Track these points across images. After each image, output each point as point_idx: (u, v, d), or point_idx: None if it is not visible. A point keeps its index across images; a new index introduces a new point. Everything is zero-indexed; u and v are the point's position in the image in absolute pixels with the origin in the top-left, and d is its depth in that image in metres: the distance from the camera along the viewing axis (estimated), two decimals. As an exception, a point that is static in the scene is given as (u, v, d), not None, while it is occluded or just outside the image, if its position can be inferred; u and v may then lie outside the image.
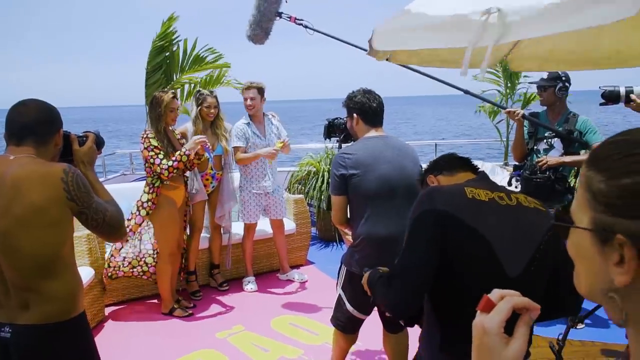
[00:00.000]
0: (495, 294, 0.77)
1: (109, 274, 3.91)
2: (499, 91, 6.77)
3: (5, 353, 1.75)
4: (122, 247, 3.92)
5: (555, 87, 3.52)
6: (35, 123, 1.81)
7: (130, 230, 3.82)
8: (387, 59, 2.39)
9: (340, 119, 3.11)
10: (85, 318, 1.92)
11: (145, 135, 3.80)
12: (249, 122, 4.43)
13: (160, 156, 3.74)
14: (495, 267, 1.47)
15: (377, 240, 2.52)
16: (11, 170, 1.71)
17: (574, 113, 3.58)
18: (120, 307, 4.25)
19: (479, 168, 1.79)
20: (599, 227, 0.65)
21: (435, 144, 6.98)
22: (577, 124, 3.49)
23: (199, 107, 4.25)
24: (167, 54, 6.55)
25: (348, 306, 2.73)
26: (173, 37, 6.53)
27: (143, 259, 3.98)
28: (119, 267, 3.92)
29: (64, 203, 1.73)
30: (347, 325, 2.81)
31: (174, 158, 3.75)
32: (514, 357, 0.72)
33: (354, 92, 2.76)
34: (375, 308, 2.78)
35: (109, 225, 1.85)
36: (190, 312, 4.12)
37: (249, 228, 4.61)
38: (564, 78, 3.53)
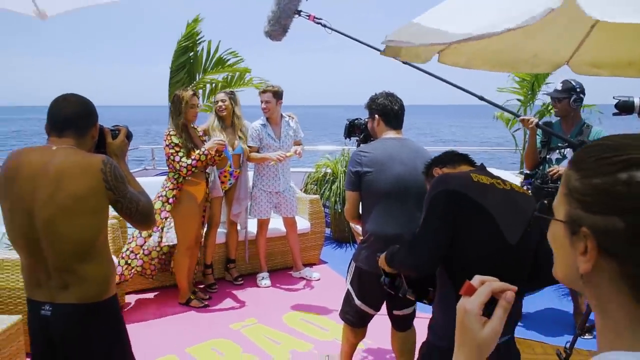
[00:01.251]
0: (476, 279, 0.87)
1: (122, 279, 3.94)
2: (519, 100, 6.84)
3: (46, 329, 1.89)
4: (145, 242, 4.07)
5: (570, 98, 3.57)
6: (76, 116, 1.94)
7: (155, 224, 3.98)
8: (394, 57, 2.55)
9: (361, 119, 3.19)
10: (117, 300, 2.05)
11: (167, 133, 3.97)
12: (265, 124, 4.57)
13: (180, 154, 3.90)
14: (498, 236, 1.78)
15: (384, 239, 2.59)
16: (54, 161, 1.83)
17: (588, 124, 3.62)
18: (139, 295, 4.42)
19: (475, 162, 2.11)
20: (570, 220, 0.73)
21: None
22: (590, 135, 3.53)
23: (216, 105, 4.44)
24: (191, 54, 6.74)
25: (357, 301, 2.82)
26: (197, 38, 6.72)
27: (155, 252, 4.12)
28: (131, 266, 4.01)
29: (103, 192, 1.85)
30: (356, 320, 2.90)
31: (193, 157, 3.90)
32: (490, 337, 0.82)
33: (377, 95, 2.86)
34: (385, 306, 2.89)
35: (141, 214, 1.98)
36: (206, 303, 4.27)
37: (262, 224, 4.75)
38: (578, 89, 3.57)
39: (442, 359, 1.73)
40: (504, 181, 1.91)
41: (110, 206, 1.94)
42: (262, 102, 4.54)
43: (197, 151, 3.94)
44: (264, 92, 4.54)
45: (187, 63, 6.71)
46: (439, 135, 42.31)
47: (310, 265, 5.21)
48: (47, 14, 2.37)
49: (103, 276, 1.95)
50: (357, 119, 3.25)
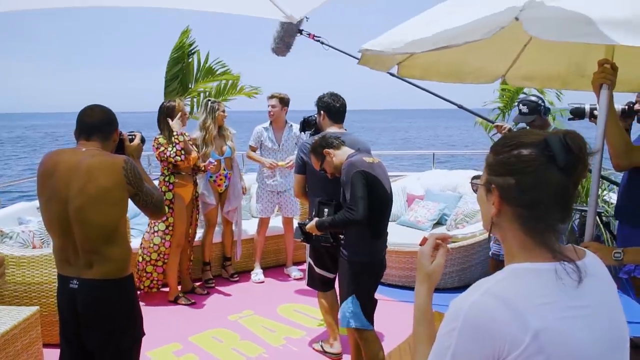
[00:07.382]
0: (429, 236, 1.26)
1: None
2: (499, 108, 7.36)
3: (72, 299, 2.22)
4: (146, 242, 4.49)
5: (540, 113, 3.72)
6: (101, 123, 2.29)
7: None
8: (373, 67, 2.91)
9: (313, 116, 3.66)
10: (133, 279, 2.38)
11: (155, 139, 4.31)
12: (267, 128, 4.94)
13: (170, 148, 4.25)
14: (384, 189, 2.82)
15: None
16: (85, 160, 2.16)
17: (557, 129, 3.90)
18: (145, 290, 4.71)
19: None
20: (487, 183, 1.10)
21: (433, 154, 7.38)
22: None
23: (217, 113, 4.69)
24: (182, 64, 7.06)
25: (316, 269, 3.38)
26: (188, 49, 7.05)
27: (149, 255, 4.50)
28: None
29: (124, 186, 2.19)
30: (319, 285, 3.45)
31: (174, 142, 4.25)
32: (435, 268, 1.21)
33: (324, 94, 3.38)
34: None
35: (154, 205, 2.33)
36: (193, 301, 4.53)
37: (262, 223, 5.08)
38: (540, 102, 3.74)
39: (359, 269, 2.82)
40: (374, 158, 2.90)
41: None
42: (268, 106, 4.91)
43: (173, 135, 4.26)
44: (272, 97, 4.91)
45: (180, 73, 7.04)
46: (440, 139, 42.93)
47: (301, 262, 5.50)
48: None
49: (122, 257, 2.28)
50: (310, 116, 3.74)
